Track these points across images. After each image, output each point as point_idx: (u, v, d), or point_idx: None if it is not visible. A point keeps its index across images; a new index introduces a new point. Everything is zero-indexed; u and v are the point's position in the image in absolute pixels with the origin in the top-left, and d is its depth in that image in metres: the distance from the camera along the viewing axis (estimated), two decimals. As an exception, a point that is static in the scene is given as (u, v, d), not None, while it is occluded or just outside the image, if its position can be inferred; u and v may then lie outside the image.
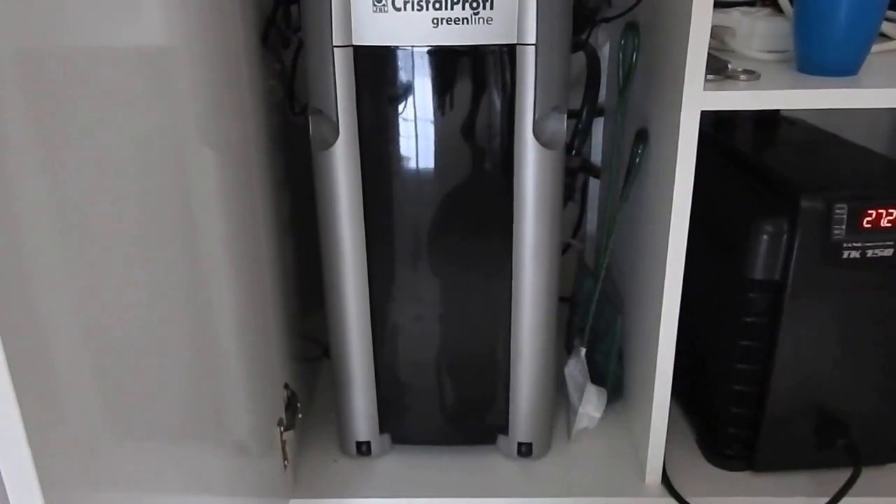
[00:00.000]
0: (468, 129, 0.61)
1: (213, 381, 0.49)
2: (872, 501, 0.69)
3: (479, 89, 0.59)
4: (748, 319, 0.66)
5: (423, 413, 0.73)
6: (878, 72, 0.60)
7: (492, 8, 0.55)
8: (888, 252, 0.61)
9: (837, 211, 0.61)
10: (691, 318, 0.66)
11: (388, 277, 0.66)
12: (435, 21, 0.56)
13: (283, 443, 0.66)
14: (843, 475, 0.66)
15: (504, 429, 0.73)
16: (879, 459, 0.71)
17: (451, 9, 0.55)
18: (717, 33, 0.68)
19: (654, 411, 0.68)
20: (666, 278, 0.62)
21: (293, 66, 0.69)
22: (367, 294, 0.67)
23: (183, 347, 0.44)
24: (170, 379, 0.42)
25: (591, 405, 0.74)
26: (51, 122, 0.30)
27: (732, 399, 0.69)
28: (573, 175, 0.77)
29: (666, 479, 0.71)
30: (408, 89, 0.59)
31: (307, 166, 0.64)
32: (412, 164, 0.62)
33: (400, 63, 0.58)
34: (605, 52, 0.87)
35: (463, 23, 0.56)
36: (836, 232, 0.61)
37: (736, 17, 0.68)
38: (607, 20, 0.74)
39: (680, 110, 0.56)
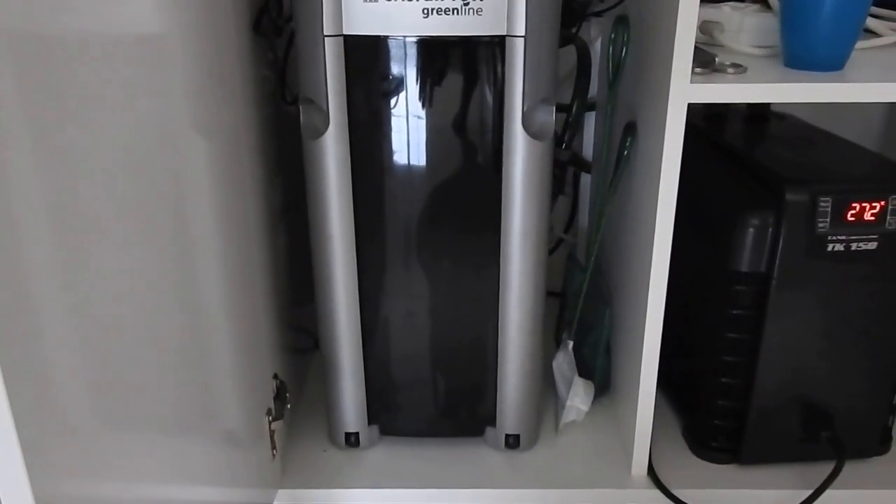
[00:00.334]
0: (458, 120, 0.61)
1: (202, 370, 0.50)
2: (855, 494, 0.69)
3: (469, 80, 0.60)
4: (734, 312, 0.66)
5: (411, 404, 0.73)
6: (863, 67, 0.61)
7: (482, -1, 0.56)
8: (872, 245, 0.62)
9: (822, 204, 0.61)
10: (678, 311, 0.66)
11: (377, 268, 0.67)
12: (425, 11, 0.56)
13: (272, 433, 0.67)
14: (828, 468, 0.66)
15: (492, 421, 0.73)
16: (863, 453, 0.72)
17: (442, -1, 0.56)
18: (706, 28, 0.68)
19: (640, 403, 0.68)
20: (652, 271, 0.63)
21: (285, 56, 0.69)
22: (357, 285, 0.67)
23: (172, 337, 0.44)
24: (158, 368, 0.42)
25: (578, 398, 0.75)
26: (39, 108, 0.30)
27: (718, 391, 0.70)
28: (563, 168, 0.77)
29: (652, 472, 0.71)
30: (398, 79, 0.60)
31: (299, 157, 0.64)
32: (401, 154, 0.62)
33: (390, 53, 0.59)
34: (597, 47, 0.87)
35: (453, 13, 0.56)
36: (820, 225, 0.62)
37: (726, 12, 0.69)
38: (598, 14, 0.74)
39: (667, 103, 0.57)
